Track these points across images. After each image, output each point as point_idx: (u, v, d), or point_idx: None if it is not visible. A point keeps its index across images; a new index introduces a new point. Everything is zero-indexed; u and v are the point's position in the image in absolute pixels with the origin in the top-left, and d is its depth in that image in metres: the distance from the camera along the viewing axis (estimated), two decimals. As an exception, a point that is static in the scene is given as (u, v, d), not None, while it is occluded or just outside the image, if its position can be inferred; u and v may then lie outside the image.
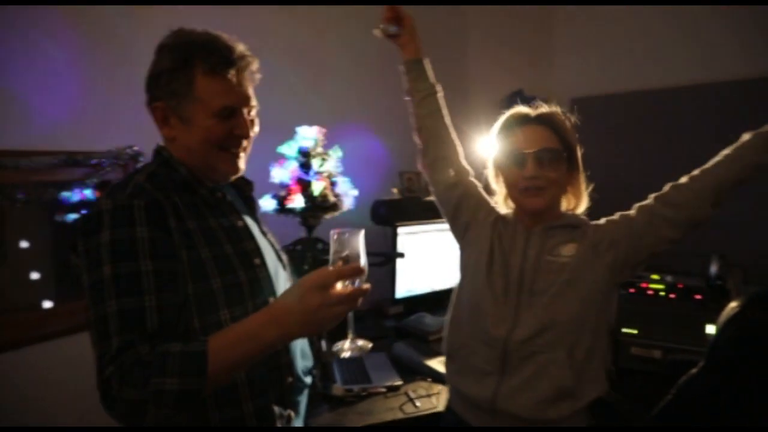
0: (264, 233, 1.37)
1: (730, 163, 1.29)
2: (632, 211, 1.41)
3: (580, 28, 3.41)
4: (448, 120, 1.69)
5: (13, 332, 2.03)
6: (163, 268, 1.03)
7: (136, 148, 2.21)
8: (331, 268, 1.01)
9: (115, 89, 2.17)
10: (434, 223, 2.64)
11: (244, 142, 1.22)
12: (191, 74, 1.12)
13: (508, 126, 1.48)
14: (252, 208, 1.39)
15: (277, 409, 1.19)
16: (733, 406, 1.36)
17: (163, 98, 1.13)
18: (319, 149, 2.17)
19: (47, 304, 2.18)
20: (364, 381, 2.01)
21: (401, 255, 2.45)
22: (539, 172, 1.39)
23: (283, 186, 2.13)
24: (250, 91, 1.21)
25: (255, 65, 1.21)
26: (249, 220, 1.30)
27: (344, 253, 1.03)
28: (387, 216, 2.64)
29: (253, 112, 1.25)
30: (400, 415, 1.82)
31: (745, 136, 1.30)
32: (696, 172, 1.35)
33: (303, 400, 1.32)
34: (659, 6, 2.97)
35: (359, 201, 2.24)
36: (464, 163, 1.67)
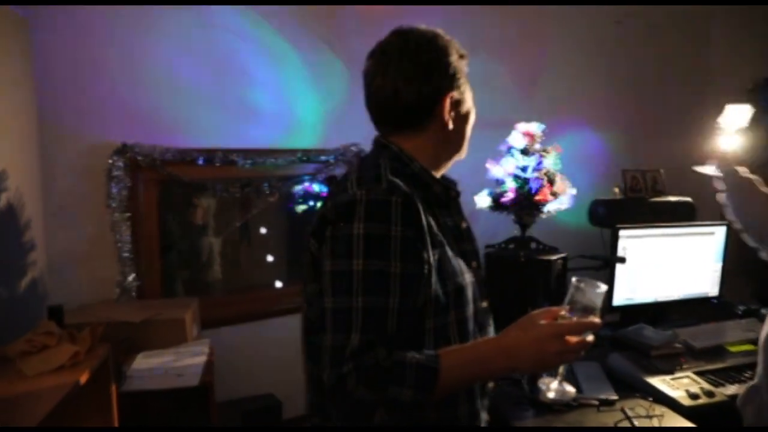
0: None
1: None
2: None
3: None
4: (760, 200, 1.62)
5: (253, 306, 2.36)
6: (410, 271, 1.01)
7: (359, 146, 2.40)
8: (564, 313, 1.03)
9: (342, 92, 2.37)
10: (661, 226, 2.40)
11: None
12: (460, 63, 1.17)
13: None
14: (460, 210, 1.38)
15: (484, 414, 1.20)
16: None
17: (453, 88, 1.15)
18: (537, 146, 2.11)
19: (278, 284, 2.48)
20: (575, 390, 1.91)
21: (622, 260, 2.28)
22: None
23: (500, 183, 2.12)
24: None
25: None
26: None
27: (584, 304, 1.03)
28: (606, 217, 2.47)
29: None
30: (615, 433, 1.69)
31: None
32: None
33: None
34: None
35: (577, 200, 2.14)
36: None
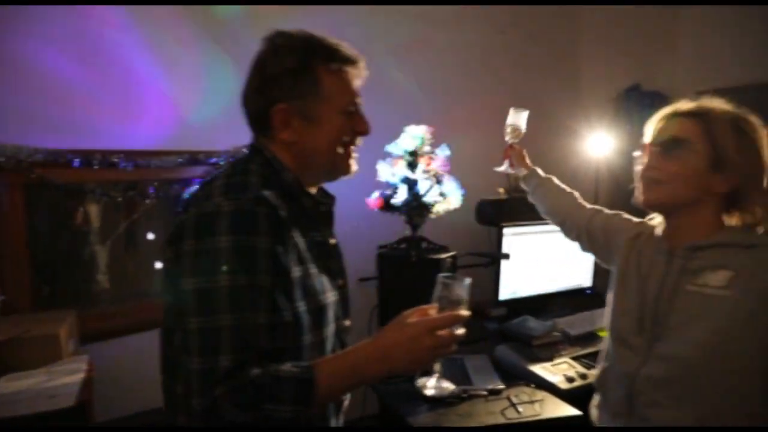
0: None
1: None
2: None
3: (707, 12, 3.14)
4: (563, 195, 1.75)
5: (140, 316, 2.23)
6: (279, 284, 0.98)
7: (251, 147, 2.34)
8: (433, 310, 1.04)
9: (232, 91, 2.30)
10: (541, 223, 2.56)
11: (359, 141, 1.19)
12: (316, 73, 1.09)
13: (653, 122, 1.30)
14: (331, 224, 1.31)
15: (333, 421, 1.17)
16: None
17: (286, 100, 1.08)
18: (426, 148, 2.17)
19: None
20: (465, 382, 1.99)
21: (506, 256, 2.40)
22: (660, 161, 1.21)
23: (390, 184, 2.16)
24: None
25: (363, 63, 1.18)
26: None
27: (451, 299, 1.04)
28: (492, 216, 2.59)
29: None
30: (501, 420, 1.78)
31: None
32: None
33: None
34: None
35: (465, 200, 2.23)
36: (582, 210, 1.67)
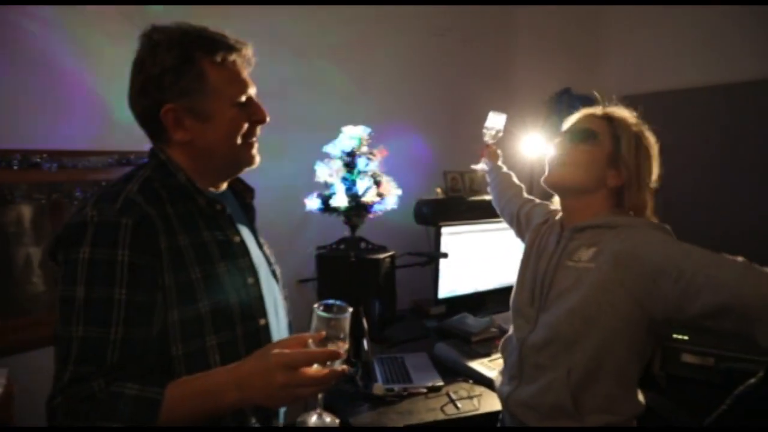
0: (260, 245, 1.29)
1: None
2: (691, 254, 1.14)
3: (631, 21, 3.31)
4: (513, 187, 1.97)
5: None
6: (138, 298, 0.96)
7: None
8: (310, 341, 0.96)
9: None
10: (478, 223, 2.62)
11: (259, 130, 1.16)
12: (199, 67, 1.05)
13: (570, 120, 1.49)
14: (251, 218, 1.31)
15: (254, 419, 1.12)
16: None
17: (173, 99, 1.05)
18: (364, 148, 2.17)
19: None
20: (405, 381, 2.01)
21: (444, 255, 2.44)
22: (569, 146, 1.39)
23: (328, 185, 2.15)
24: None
25: (250, 49, 1.14)
26: (246, 234, 1.23)
27: (324, 332, 0.96)
28: (430, 216, 2.62)
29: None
30: (441, 416, 1.81)
31: None
32: None
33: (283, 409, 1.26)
34: (711, 4, 2.85)
35: (403, 200, 2.24)
36: (521, 198, 1.89)
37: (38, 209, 2.09)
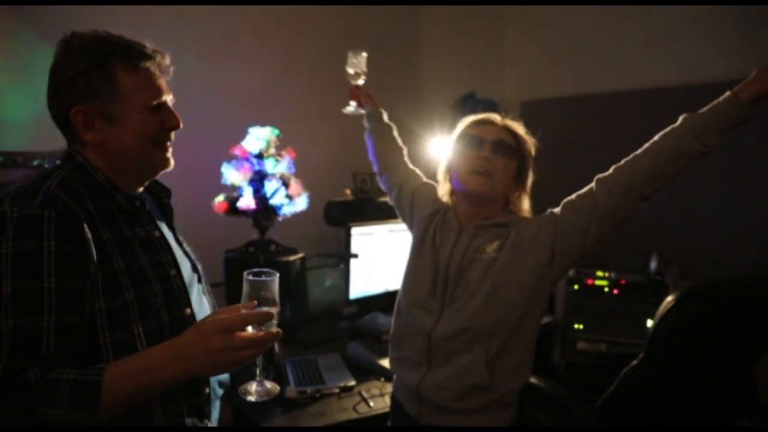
0: (180, 243, 1.32)
1: (657, 153, 1.29)
2: (558, 209, 1.43)
3: (530, 31, 3.50)
4: (395, 145, 1.87)
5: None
6: (68, 286, 0.98)
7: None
8: (243, 310, 0.99)
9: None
10: (387, 223, 2.66)
11: (173, 135, 1.20)
12: (111, 72, 1.08)
13: (474, 124, 1.54)
14: (169, 217, 1.33)
15: (190, 420, 1.14)
16: (668, 395, 1.43)
17: (83, 102, 1.08)
18: (272, 150, 2.16)
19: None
20: (318, 382, 2.01)
21: (355, 255, 2.46)
22: (493, 157, 1.44)
23: (236, 187, 2.11)
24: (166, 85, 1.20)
25: (167, 59, 1.18)
26: (165, 230, 1.26)
27: (256, 297, 1.01)
28: (340, 217, 2.64)
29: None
30: (354, 415, 1.83)
31: (680, 121, 1.29)
32: (623, 163, 1.35)
33: (216, 410, 1.28)
34: (609, 6, 3.04)
35: (312, 202, 2.25)
36: (406, 168, 1.82)
37: None
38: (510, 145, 1.47)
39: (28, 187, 1.04)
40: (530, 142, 1.52)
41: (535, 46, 3.48)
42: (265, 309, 1.00)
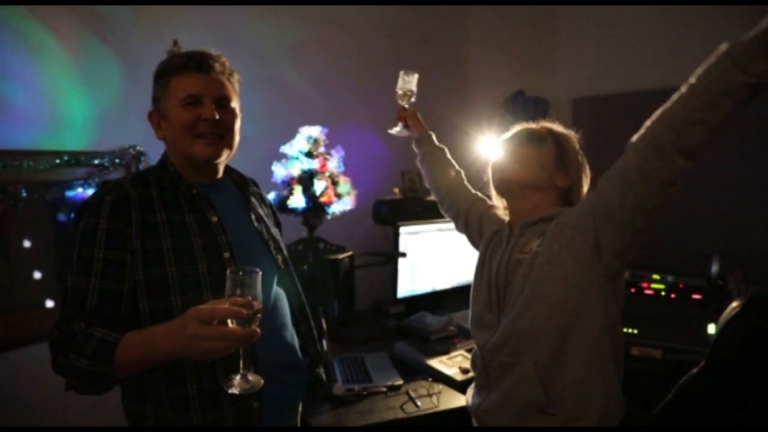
0: (257, 231, 1.43)
1: (691, 94, 1.03)
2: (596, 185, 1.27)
3: (582, 28, 3.40)
4: (450, 168, 1.83)
5: (16, 331, 2.04)
6: (112, 257, 1.19)
7: (139, 148, 2.22)
8: (225, 306, 1.02)
9: (119, 90, 2.17)
10: (436, 222, 2.65)
11: (221, 130, 1.31)
12: (168, 78, 1.30)
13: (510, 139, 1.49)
14: (249, 206, 1.46)
15: (228, 395, 1.18)
16: (733, 407, 1.36)
17: (154, 105, 1.34)
18: (321, 149, 2.17)
19: (50, 304, 2.19)
20: (365, 380, 2.02)
21: (403, 255, 2.46)
22: (515, 150, 1.42)
23: (285, 185, 2.14)
24: (224, 89, 1.33)
25: (225, 66, 1.35)
26: (236, 217, 1.39)
27: (237, 293, 1.04)
28: (388, 216, 2.64)
29: (232, 105, 1.35)
30: (401, 415, 1.82)
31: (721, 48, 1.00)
32: (654, 115, 1.10)
33: (276, 393, 1.32)
34: (662, 6, 2.96)
35: (361, 201, 2.25)
36: (466, 193, 1.77)
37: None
38: (537, 134, 1.42)
39: (114, 180, 1.31)
40: (569, 135, 1.46)
41: (588, 42, 3.38)
42: (240, 307, 1.01)
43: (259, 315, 1.05)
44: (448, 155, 1.86)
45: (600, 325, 1.26)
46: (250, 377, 1.10)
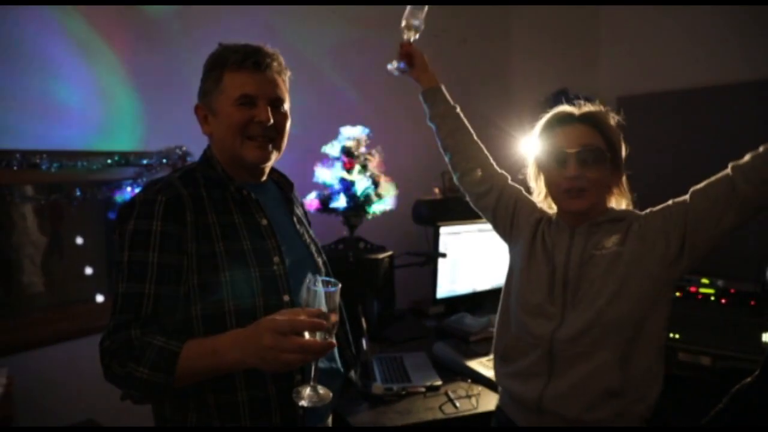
0: (299, 233, 1.41)
1: None
2: (687, 197, 1.34)
3: (626, 25, 3.32)
4: (472, 135, 1.73)
5: (68, 324, 2.12)
6: (168, 261, 1.14)
7: (184, 148, 2.28)
8: (303, 317, 1.00)
9: (165, 91, 2.24)
10: (476, 223, 2.63)
11: (272, 133, 1.28)
12: (221, 72, 1.24)
13: (550, 125, 1.45)
14: (290, 208, 1.44)
15: (277, 401, 1.20)
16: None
17: (202, 99, 1.28)
18: (362, 149, 2.18)
19: (100, 298, 2.27)
20: (404, 380, 2.02)
21: (443, 255, 2.45)
22: (581, 172, 1.35)
23: (327, 185, 2.16)
24: (279, 91, 1.29)
25: (281, 65, 1.30)
26: (280, 219, 1.36)
27: (314, 305, 1.02)
28: (428, 216, 2.63)
29: (285, 107, 1.32)
30: (439, 416, 1.82)
31: None
32: (761, 149, 1.24)
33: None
34: (707, 4, 2.86)
35: (401, 201, 2.25)
36: (497, 169, 1.70)
37: (38, 210, 2.10)
38: (596, 148, 1.36)
39: (159, 178, 1.24)
40: (614, 125, 1.43)
41: (632, 39, 3.29)
42: (317, 318, 1.00)
43: (335, 327, 1.03)
44: (463, 117, 1.73)
45: (667, 313, 1.37)
46: (320, 390, 1.06)
